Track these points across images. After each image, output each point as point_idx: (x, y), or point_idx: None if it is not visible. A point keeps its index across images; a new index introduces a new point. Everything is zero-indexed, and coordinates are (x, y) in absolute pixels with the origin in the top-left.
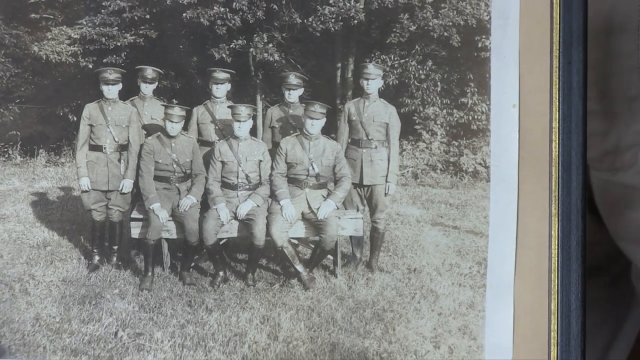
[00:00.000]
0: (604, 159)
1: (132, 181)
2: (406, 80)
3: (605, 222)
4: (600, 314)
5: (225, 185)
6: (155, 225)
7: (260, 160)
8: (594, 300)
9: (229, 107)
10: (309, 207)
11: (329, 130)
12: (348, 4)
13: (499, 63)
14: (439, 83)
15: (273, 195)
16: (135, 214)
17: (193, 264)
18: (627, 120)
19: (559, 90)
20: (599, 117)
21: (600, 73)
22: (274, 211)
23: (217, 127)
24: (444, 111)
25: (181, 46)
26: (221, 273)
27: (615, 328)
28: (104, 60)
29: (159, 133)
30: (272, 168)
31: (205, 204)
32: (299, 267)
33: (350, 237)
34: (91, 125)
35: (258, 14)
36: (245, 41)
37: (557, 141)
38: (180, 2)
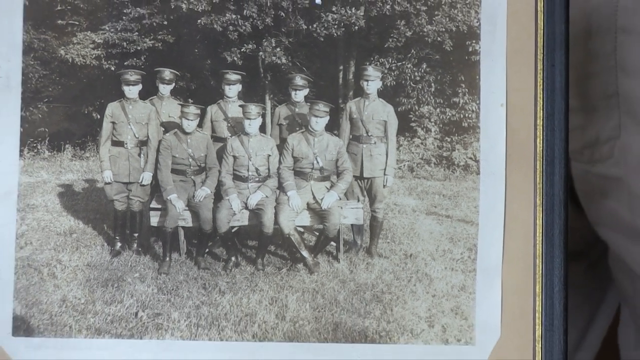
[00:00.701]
0: (584, 152)
1: (151, 174)
2: (403, 82)
3: (585, 210)
4: (581, 295)
5: (236, 177)
6: (173, 214)
7: (269, 155)
8: (575, 283)
9: (240, 106)
10: (314, 198)
11: (332, 127)
12: (349, 12)
13: (488, 66)
14: (432, 84)
15: (281, 187)
16: (154, 204)
17: (207, 250)
18: (605, 116)
19: (543, 91)
20: (579, 113)
21: (580, 73)
22: (281, 201)
23: (229, 125)
24: (438, 110)
25: (196, 50)
26: (233, 258)
27: (594, 308)
28: (125, 63)
29: (176, 130)
30: (279, 162)
31: (218, 195)
32: (305, 253)
33: (352, 225)
34: (113, 123)
35: (267, 20)
36: (255, 45)
37: (541, 137)
38: (196, 9)
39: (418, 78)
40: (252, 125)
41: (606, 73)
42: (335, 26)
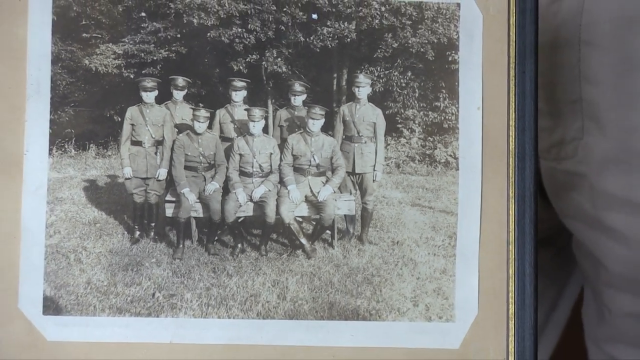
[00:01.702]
0: (551, 150)
1: (166, 170)
2: (390, 88)
3: (552, 203)
4: (549, 278)
5: (242, 173)
6: (186, 206)
7: (271, 153)
8: (543, 267)
9: (245, 109)
10: (311, 191)
11: (327, 128)
12: (342, 26)
13: (466, 73)
14: (416, 90)
15: (282, 182)
16: (169, 197)
17: (216, 237)
18: (570, 119)
19: (515, 95)
20: (547, 116)
21: (548, 81)
22: (282, 194)
23: (235, 126)
24: (421, 113)
25: (206, 60)
26: (239, 245)
27: (560, 289)
28: (143, 72)
29: (188, 131)
30: (280, 159)
31: (226, 189)
32: (303, 240)
33: (345, 215)
34: (133, 125)
35: (269, 33)
36: (258, 56)
37: (513, 137)
38: (205, 24)
39: (403, 84)
40: (256, 127)
41: (571, 81)
42: (330, 38)
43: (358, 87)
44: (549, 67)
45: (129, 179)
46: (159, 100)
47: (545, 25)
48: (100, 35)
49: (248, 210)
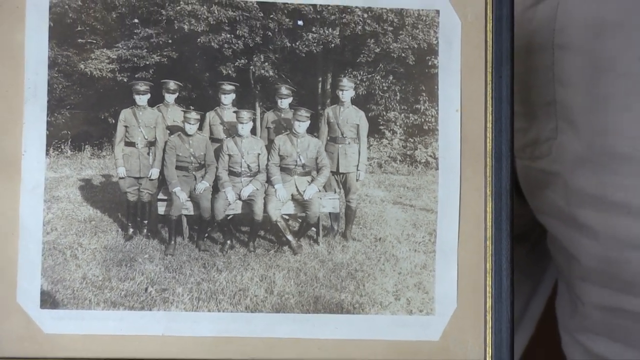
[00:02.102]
0: (526, 150)
1: (159, 170)
2: (372, 91)
3: (527, 200)
4: (524, 272)
5: (231, 173)
6: (177, 204)
7: (259, 154)
8: (519, 262)
9: (234, 112)
10: (297, 190)
11: (312, 129)
12: (327, 32)
13: (445, 77)
14: (398, 93)
15: (269, 181)
16: (161, 196)
17: (206, 234)
18: (544, 120)
19: (492, 99)
20: (522, 117)
21: (523, 83)
22: (269, 193)
23: (224, 128)
24: (402, 115)
25: (196, 64)
26: (228, 241)
27: (535, 283)
28: (136, 76)
29: (179, 132)
30: (268, 159)
31: (216, 188)
32: (290, 237)
33: (329, 213)
34: (126, 127)
35: (256, 39)
36: (246, 60)
37: (490, 138)
38: (196, 30)
39: (385, 88)
40: (244, 129)
41: (545, 84)
42: (315, 44)
43: (342, 90)
44: (524, 70)
45: (122, 178)
46: (152, 103)
47: (520, 30)
48: (95, 41)
49: (237, 208)
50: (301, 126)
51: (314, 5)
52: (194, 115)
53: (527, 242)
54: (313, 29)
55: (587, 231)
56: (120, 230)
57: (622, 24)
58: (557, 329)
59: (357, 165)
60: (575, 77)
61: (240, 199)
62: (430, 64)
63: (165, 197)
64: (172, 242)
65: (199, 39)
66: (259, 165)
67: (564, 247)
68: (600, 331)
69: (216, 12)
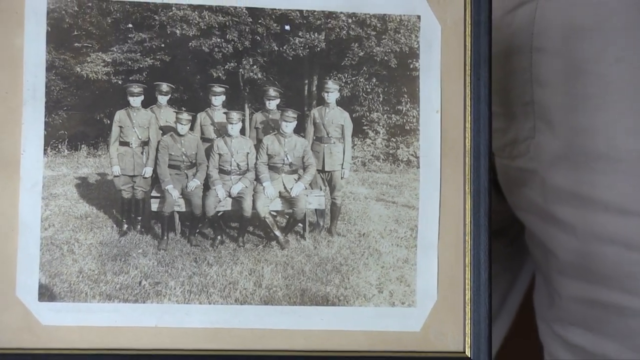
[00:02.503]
0: (505, 149)
1: (152, 168)
2: (356, 93)
3: (506, 197)
4: (502, 266)
5: (221, 171)
6: (169, 201)
7: (248, 153)
8: (497, 256)
9: (224, 113)
10: (285, 188)
11: (299, 130)
12: (313, 36)
13: (425, 80)
14: (381, 95)
15: (257, 179)
16: (154, 193)
17: (198, 230)
18: (523, 119)
19: (470, 100)
20: (501, 118)
21: (502, 85)
22: (258, 190)
23: (215, 128)
24: (385, 116)
25: (188, 67)
26: (219, 237)
27: (513, 277)
28: (130, 78)
29: (172, 132)
30: (256, 158)
31: (206, 186)
32: (277, 233)
33: (315, 209)
34: (121, 127)
35: (245, 43)
36: (236, 64)
37: (469, 138)
38: (187, 34)
39: (369, 90)
40: (234, 129)
41: (523, 85)
42: (301, 48)
43: (327, 92)
44: (504, 72)
45: (117, 176)
46: (145, 104)
47: (499, 34)
48: (90, 45)
49: (227, 205)
50: (288, 126)
51: (301, 11)
52: (185, 116)
53: (506, 237)
54: (300, 34)
55: (564, 227)
56: (115, 226)
57: (597, 28)
58: (534, 320)
59: (342, 164)
60: (553, 78)
61: (230, 196)
62: (411, 67)
63: (158, 195)
64: (165, 238)
65: (190, 43)
66: (248, 164)
67: (541, 242)
68: (577, 322)
69: (207, 17)
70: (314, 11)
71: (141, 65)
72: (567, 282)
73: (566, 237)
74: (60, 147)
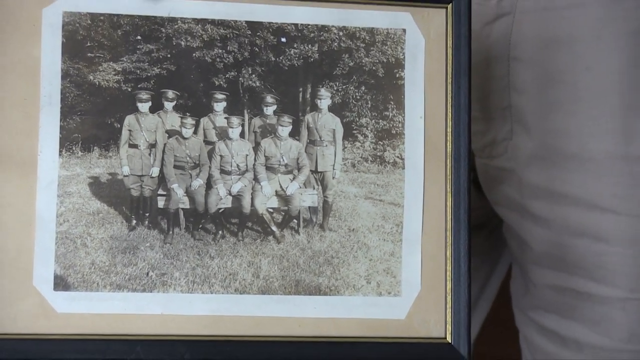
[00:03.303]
0: (485, 150)
1: (159, 169)
2: (347, 100)
3: (485, 194)
4: (481, 258)
5: (222, 171)
6: (175, 199)
7: (247, 155)
8: (477, 248)
9: (225, 118)
10: (281, 187)
11: (294, 133)
12: (307, 47)
13: (410, 88)
14: (369, 102)
15: (256, 179)
16: (160, 191)
17: (201, 225)
18: (500, 123)
19: (452, 107)
20: (481, 121)
21: (482, 91)
22: (256, 189)
23: (217, 132)
24: (373, 121)
25: (192, 76)
26: (220, 232)
27: (491, 268)
28: (139, 86)
29: (177, 136)
30: (255, 160)
31: (209, 184)
32: (274, 228)
33: (309, 207)
34: (130, 131)
35: (245, 54)
36: (236, 73)
37: (450, 141)
38: (192, 46)
39: (358, 97)
40: (234, 133)
41: (501, 91)
42: (296, 58)
43: (320, 99)
44: (484, 79)
45: (127, 176)
46: (152, 109)
47: (479, 45)
48: (102, 55)
49: (227, 203)
50: (284, 131)
51: (296, 25)
52: (189, 120)
53: (485, 231)
54: (295, 45)
55: (538, 220)
56: (124, 221)
57: (569, 40)
58: (510, 307)
59: (333, 165)
60: (528, 85)
61: (230, 194)
62: (397, 76)
63: (165, 193)
64: (170, 232)
65: (194, 54)
66: (247, 165)
67: (518, 234)
68: (550, 308)
69: (209, 30)
70: (308, 25)
71: (149, 74)
72: (541, 272)
73: (540, 230)
74: (74, 148)
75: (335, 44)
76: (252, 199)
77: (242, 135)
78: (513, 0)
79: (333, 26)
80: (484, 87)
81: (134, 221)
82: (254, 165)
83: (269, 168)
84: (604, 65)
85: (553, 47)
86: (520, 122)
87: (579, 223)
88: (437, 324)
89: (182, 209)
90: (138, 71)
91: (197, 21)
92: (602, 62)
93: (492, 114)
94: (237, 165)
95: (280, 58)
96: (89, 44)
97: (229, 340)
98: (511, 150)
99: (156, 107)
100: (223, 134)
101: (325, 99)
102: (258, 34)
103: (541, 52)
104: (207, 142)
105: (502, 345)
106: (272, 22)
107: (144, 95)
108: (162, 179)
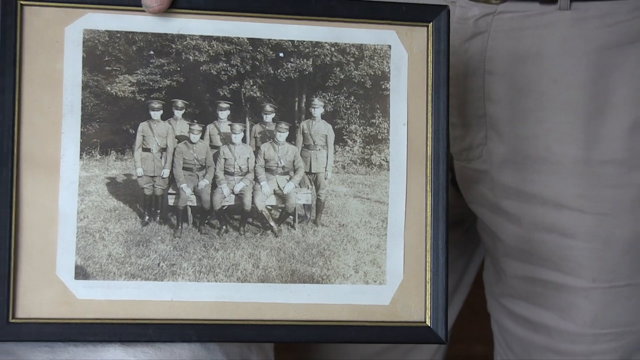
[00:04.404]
0: (462, 153)
1: (169, 170)
2: (338, 109)
3: (462, 193)
4: (459, 251)
5: (226, 172)
6: (183, 197)
7: (248, 158)
8: (454, 242)
9: (228, 125)
10: (278, 187)
11: (291, 139)
12: (302, 62)
13: (395, 98)
14: (358, 110)
15: (256, 179)
16: (170, 190)
17: (206, 221)
18: (476, 129)
19: (432, 115)
20: (459, 127)
21: (461, 100)
22: (256, 189)
23: (221, 137)
24: (361, 127)
25: (199, 87)
26: (224, 227)
27: (467, 260)
28: (151, 96)
29: (186, 141)
30: (255, 162)
31: (214, 184)
32: (272, 223)
33: (303, 204)
34: (143, 136)
35: (247, 67)
36: (238, 84)
37: (430, 146)
38: (199, 60)
39: (348, 106)
40: (237, 138)
41: (477, 101)
42: (293, 71)
43: (314, 108)
44: (462, 90)
45: (140, 177)
46: (164, 117)
47: (458, 59)
48: (119, 69)
49: (230, 201)
50: (282, 136)
51: (292, 41)
52: (197, 127)
53: (462, 227)
54: (291, 60)
55: (510, 217)
56: (138, 217)
57: (537, 56)
58: (484, 294)
59: (326, 167)
60: (502, 96)
61: (233, 193)
62: (383, 87)
63: (174, 192)
64: (179, 227)
65: (201, 67)
66: (248, 167)
67: (490, 229)
68: (520, 296)
69: (215, 46)
70: (304, 41)
71: (160, 85)
72: (512, 263)
73: (511, 226)
74: (93, 152)
75: (328, 58)
76: (253, 197)
77: (244, 140)
78: (488, 20)
79: (326, 42)
80: (462, 97)
81: (147, 217)
82: (254, 167)
83: (268, 170)
84: (569, 79)
85: (523, 62)
86: (494, 128)
87: (546, 220)
88: (418, 309)
89: (190, 206)
90: (151, 83)
91: (204, 38)
92: (566, 76)
93: (469, 121)
94: (240, 167)
95: (279, 71)
96: (106, 59)
97: (232, 323)
98: (486, 154)
99: (167, 115)
100: (227, 139)
101: (318, 108)
102: (258, 49)
103: (513, 66)
104: (212, 146)
105: (474, 327)
106: (271, 39)
107: (156, 104)
108: (172, 180)
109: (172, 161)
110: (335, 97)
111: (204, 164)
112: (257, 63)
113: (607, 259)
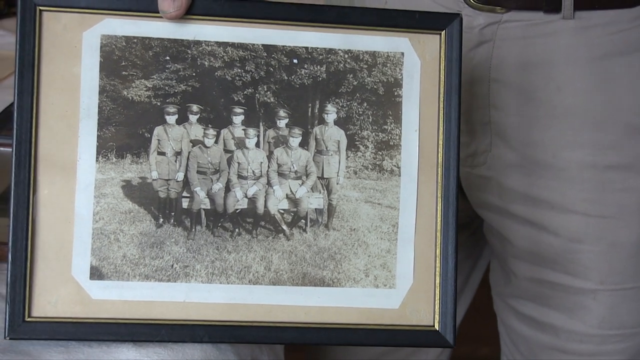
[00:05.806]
0: (467, 159)
1: (183, 174)
2: (351, 115)
3: (468, 198)
4: (466, 253)
5: (240, 176)
6: (197, 200)
7: (261, 162)
8: (462, 245)
9: (242, 129)
10: (291, 191)
11: (303, 144)
12: (315, 68)
13: (407, 105)
14: (370, 116)
15: (269, 183)
16: (185, 194)
17: (220, 224)
18: (482, 136)
19: (443, 122)
20: (465, 134)
21: (466, 107)
22: (269, 193)
23: (235, 142)
24: (373, 134)
25: (214, 92)
26: (236, 230)
27: (473, 262)
28: (167, 100)
29: (200, 145)
30: (268, 167)
31: (227, 188)
32: (284, 227)
33: (315, 209)
34: (158, 140)
35: (261, 73)
36: (253, 90)
37: (441, 152)
38: (214, 66)
39: (361, 112)
40: (251, 143)
41: (483, 108)
42: (306, 78)
43: (327, 114)
44: (468, 97)
45: (155, 180)
46: (179, 122)
47: (464, 67)
48: (135, 73)
49: (243, 204)
50: (295, 141)
51: (306, 48)
52: (211, 131)
53: (468, 230)
54: (305, 66)
55: (518, 219)
56: (152, 220)
57: (542, 63)
58: (490, 295)
59: (338, 172)
60: (506, 103)
61: (246, 197)
62: (396, 94)
63: (188, 195)
64: (193, 230)
65: (216, 73)
66: (261, 171)
67: (499, 232)
68: (529, 297)
69: (230, 52)
70: (317, 48)
71: (176, 90)
72: (522, 265)
73: (520, 227)
74: (109, 155)
75: (341, 65)
76: (266, 201)
77: (257, 144)
78: (493, 29)
79: (339, 49)
80: (468, 104)
81: (161, 219)
82: (267, 171)
83: (280, 174)
84: (574, 86)
85: (528, 70)
86: (499, 135)
87: (553, 224)
88: (427, 314)
89: (204, 209)
90: (166, 88)
91: (219, 44)
92: (571, 83)
93: (474, 128)
94: (253, 171)
95: (292, 77)
96: (123, 63)
97: (243, 325)
98: (490, 160)
99: (182, 120)
100: (241, 144)
101: (331, 114)
102: (273, 55)
103: (518, 74)
104: (226, 150)
105: (480, 328)
106: (286, 45)
107: (171, 109)
108: (186, 183)
109: (187, 165)
110: (348, 103)
111: (217, 168)
112: (272, 69)
113: (613, 262)
